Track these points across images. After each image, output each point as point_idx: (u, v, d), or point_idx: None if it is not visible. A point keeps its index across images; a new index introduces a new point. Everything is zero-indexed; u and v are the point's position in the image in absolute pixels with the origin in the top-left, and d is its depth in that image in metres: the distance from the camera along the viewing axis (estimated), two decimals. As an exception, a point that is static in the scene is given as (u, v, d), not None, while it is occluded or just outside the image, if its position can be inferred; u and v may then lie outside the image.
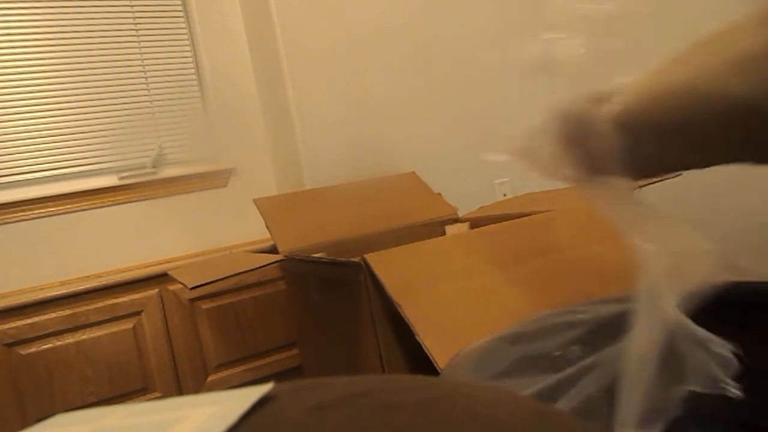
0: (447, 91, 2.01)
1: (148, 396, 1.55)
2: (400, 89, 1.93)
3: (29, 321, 1.45)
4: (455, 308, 0.96)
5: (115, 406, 0.20)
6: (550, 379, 0.49)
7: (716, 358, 0.39)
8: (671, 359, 0.41)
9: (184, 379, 1.59)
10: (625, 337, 0.46)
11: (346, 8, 1.86)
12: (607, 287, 0.91)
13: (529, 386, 0.51)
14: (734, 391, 0.37)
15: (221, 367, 1.64)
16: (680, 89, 0.41)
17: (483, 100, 2.07)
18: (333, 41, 1.84)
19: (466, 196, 1.69)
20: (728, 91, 0.37)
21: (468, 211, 1.58)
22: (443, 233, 1.48)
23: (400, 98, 1.93)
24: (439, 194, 1.65)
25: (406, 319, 0.91)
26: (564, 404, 0.45)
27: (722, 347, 0.39)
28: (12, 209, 1.75)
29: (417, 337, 0.88)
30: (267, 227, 1.46)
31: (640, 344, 0.41)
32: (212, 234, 1.94)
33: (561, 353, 0.57)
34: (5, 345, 1.42)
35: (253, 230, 1.89)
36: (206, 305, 1.63)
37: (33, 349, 1.45)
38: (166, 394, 1.58)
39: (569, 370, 0.49)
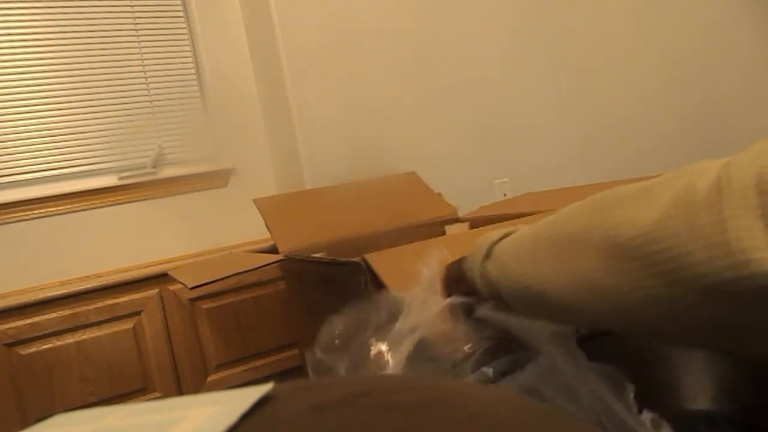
0: (447, 91, 2.01)
1: (148, 396, 1.55)
2: (400, 89, 1.93)
3: (29, 321, 1.45)
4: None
5: (115, 406, 0.20)
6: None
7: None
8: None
9: (184, 379, 1.59)
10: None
11: (346, 8, 1.86)
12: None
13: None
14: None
15: (221, 367, 1.64)
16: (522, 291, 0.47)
17: (483, 100, 2.07)
18: (333, 41, 1.84)
19: (466, 196, 1.69)
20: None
21: (468, 211, 1.58)
22: (443, 233, 1.48)
23: (400, 98, 1.93)
24: (439, 194, 1.65)
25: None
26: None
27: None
28: (12, 209, 1.75)
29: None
30: (267, 227, 1.45)
31: None
32: (212, 234, 1.94)
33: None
34: (5, 345, 1.42)
35: (253, 230, 1.89)
36: (206, 305, 1.63)
37: (33, 349, 1.45)
38: (166, 394, 1.58)
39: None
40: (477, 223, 1.48)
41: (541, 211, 1.19)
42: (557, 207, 1.27)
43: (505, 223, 1.14)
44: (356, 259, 1.05)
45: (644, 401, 0.43)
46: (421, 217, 1.53)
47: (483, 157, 2.03)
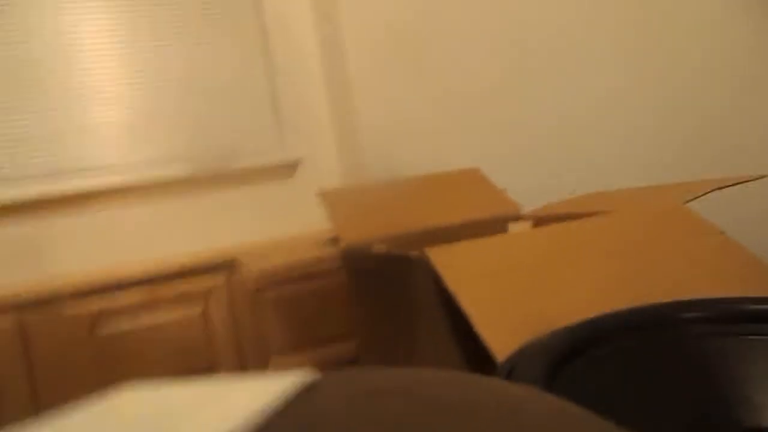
0: (513, 85, 1.96)
1: (214, 377, 1.62)
2: (467, 85, 1.91)
3: (109, 301, 1.55)
4: (514, 304, 0.95)
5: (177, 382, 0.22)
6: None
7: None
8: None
9: (249, 364, 1.65)
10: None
11: (412, 8, 1.87)
12: (669, 291, 0.87)
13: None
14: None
15: (283, 354, 1.68)
16: None
17: (552, 94, 2.02)
18: (398, 36, 1.85)
19: (531, 193, 1.65)
20: None
21: (533, 207, 1.54)
22: (506, 230, 1.46)
23: (465, 93, 1.91)
24: (503, 190, 1.62)
25: (463, 311, 0.91)
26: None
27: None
28: (96, 197, 1.87)
29: (475, 328, 0.87)
30: (330, 219, 1.48)
31: None
32: (279, 224, 2.00)
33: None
34: (87, 324, 1.53)
35: (319, 221, 1.92)
36: (270, 294, 1.68)
37: (112, 329, 1.55)
38: (231, 377, 1.64)
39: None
40: (541, 221, 1.44)
41: (607, 211, 1.15)
42: (625, 207, 1.22)
43: (569, 222, 1.11)
44: (415, 254, 1.06)
45: (707, 416, 0.41)
46: (483, 213, 1.51)
47: (550, 154, 1.98)
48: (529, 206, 1.55)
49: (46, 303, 1.53)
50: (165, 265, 1.72)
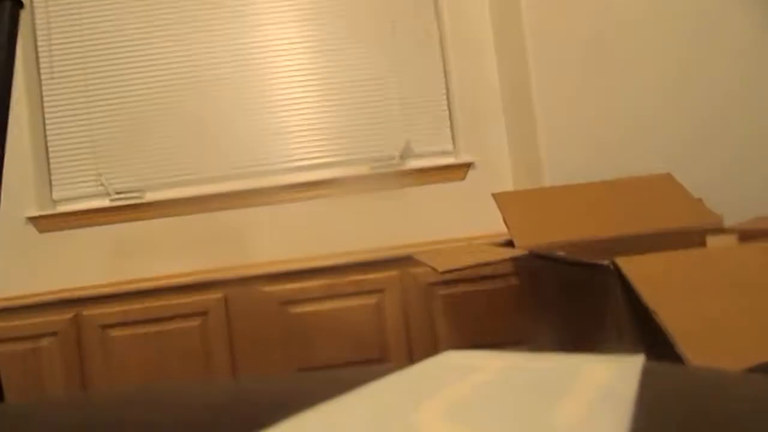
0: (709, 83, 1.78)
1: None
2: (652, 84, 1.78)
3: (298, 285, 1.71)
4: (719, 325, 0.87)
5: (497, 352, 0.24)
6: None
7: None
8: None
9: (417, 357, 1.71)
10: None
11: (599, 21, 1.79)
12: None
13: None
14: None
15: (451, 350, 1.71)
16: None
17: (756, 92, 1.79)
18: (579, 35, 1.78)
19: (733, 204, 1.48)
20: None
21: (736, 220, 1.39)
22: (704, 244, 1.33)
23: (652, 94, 1.78)
24: (700, 200, 1.48)
25: (664, 328, 0.85)
26: None
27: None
28: (289, 191, 2.05)
29: (677, 349, 0.81)
30: (504, 222, 1.47)
31: None
32: (449, 225, 2.03)
33: None
34: (280, 303, 1.70)
35: (488, 224, 1.92)
36: (441, 291, 1.72)
37: (299, 309, 1.70)
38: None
39: None
40: (747, 235, 1.29)
41: None
42: None
43: None
44: (605, 262, 1.01)
45: None
46: (677, 223, 1.39)
47: (760, 163, 1.76)
48: (731, 218, 1.40)
49: (245, 282, 1.73)
50: (345, 256, 1.84)
